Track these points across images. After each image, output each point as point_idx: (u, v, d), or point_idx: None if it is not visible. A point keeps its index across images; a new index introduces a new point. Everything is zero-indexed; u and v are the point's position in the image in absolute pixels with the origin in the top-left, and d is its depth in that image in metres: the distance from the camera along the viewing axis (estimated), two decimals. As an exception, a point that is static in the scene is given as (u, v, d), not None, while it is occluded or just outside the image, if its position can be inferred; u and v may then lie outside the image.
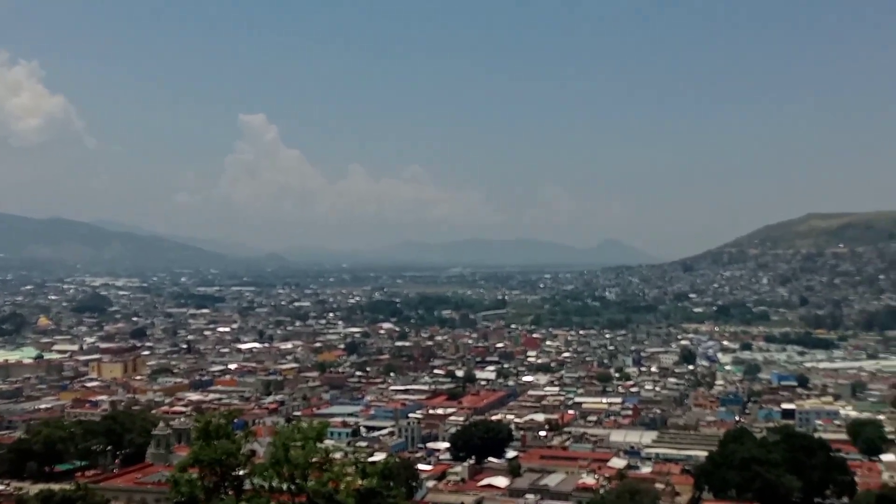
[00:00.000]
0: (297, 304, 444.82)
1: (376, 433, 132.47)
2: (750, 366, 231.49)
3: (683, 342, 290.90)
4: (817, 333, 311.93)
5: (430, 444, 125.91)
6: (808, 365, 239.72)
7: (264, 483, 46.14)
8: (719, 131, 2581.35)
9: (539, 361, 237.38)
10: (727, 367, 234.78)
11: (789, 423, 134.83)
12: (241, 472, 47.24)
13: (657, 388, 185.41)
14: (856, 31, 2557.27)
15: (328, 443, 52.08)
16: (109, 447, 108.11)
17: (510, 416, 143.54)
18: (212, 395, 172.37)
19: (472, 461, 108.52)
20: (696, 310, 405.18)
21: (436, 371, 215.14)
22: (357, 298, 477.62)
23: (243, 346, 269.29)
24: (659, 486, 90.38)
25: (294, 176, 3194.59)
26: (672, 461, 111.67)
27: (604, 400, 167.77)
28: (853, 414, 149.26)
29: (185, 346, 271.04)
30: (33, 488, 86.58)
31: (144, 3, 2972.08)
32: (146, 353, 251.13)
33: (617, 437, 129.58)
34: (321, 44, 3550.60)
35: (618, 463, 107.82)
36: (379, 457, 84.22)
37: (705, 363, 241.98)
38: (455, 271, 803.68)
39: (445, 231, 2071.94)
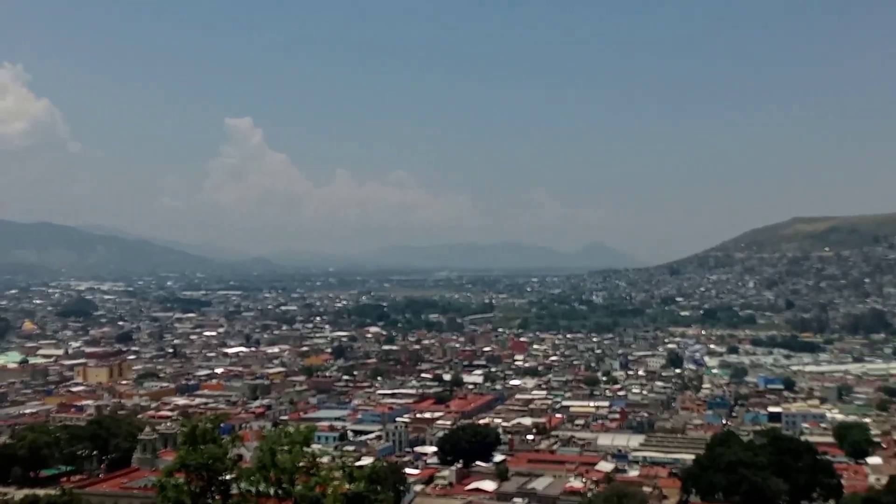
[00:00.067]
0: (283, 307, 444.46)
1: (364, 437, 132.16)
2: (736, 369, 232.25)
3: (670, 346, 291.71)
4: (803, 337, 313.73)
5: (418, 448, 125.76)
6: (795, 368, 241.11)
7: (251, 488, 45.77)
8: (705, 136, 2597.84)
9: (526, 365, 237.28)
10: (714, 371, 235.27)
11: (776, 427, 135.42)
12: (227, 477, 46.85)
13: (644, 392, 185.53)
14: (840, 35, 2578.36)
15: (315, 447, 51.74)
16: (95, 452, 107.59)
17: (497, 420, 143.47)
18: (198, 400, 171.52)
19: (459, 465, 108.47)
20: (683, 313, 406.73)
21: (423, 375, 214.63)
22: (344, 302, 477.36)
23: (230, 351, 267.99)
24: (646, 489, 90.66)
25: (280, 180, 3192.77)
26: (659, 464, 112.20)
27: (591, 403, 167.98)
28: (839, 417, 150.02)
29: (171, 350, 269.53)
30: (18, 494, 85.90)
31: (129, 6, 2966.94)
32: (132, 357, 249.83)
33: (604, 440, 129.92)
34: (308, 47, 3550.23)
35: (605, 466, 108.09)
36: (366, 461, 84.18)
37: (692, 367, 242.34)
38: (442, 275, 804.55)
39: (432, 235, 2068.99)
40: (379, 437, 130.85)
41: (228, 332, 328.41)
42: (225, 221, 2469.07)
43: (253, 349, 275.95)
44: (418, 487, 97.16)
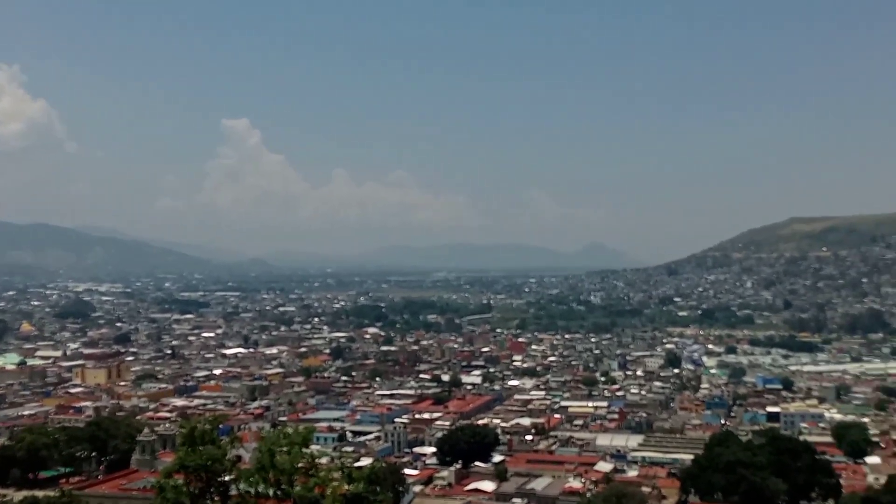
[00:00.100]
0: (281, 308, 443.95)
1: (362, 438, 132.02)
2: (735, 369, 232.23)
3: (668, 346, 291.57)
4: (801, 337, 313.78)
5: (417, 449, 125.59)
6: (793, 368, 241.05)
7: (250, 489, 45.84)
8: (703, 136, 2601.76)
9: (525, 365, 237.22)
10: (712, 371, 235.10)
11: (774, 426, 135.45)
12: (226, 478, 46.86)
13: (643, 392, 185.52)
14: (838, 36, 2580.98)
15: (314, 448, 51.83)
16: (94, 453, 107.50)
17: (496, 421, 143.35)
18: (197, 401, 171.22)
19: (458, 466, 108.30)
20: (681, 313, 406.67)
21: (421, 375, 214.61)
22: (342, 303, 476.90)
23: (228, 352, 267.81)
24: (645, 489, 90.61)
25: (278, 181, 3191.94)
26: (658, 464, 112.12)
27: (590, 404, 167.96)
28: (838, 417, 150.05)
29: (169, 351, 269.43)
30: (17, 495, 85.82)
31: (126, 7, 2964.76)
32: (130, 358, 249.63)
33: (603, 440, 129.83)
34: (306, 48, 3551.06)
35: (604, 466, 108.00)
36: (365, 462, 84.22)
37: (690, 367, 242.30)
38: (440, 275, 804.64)
39: (430, 235, 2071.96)
40: (378, 438, 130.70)
41: (227, 333, 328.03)
42: (222, 222, 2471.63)
43: (251, 350, 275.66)
44: (417, 488, 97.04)
